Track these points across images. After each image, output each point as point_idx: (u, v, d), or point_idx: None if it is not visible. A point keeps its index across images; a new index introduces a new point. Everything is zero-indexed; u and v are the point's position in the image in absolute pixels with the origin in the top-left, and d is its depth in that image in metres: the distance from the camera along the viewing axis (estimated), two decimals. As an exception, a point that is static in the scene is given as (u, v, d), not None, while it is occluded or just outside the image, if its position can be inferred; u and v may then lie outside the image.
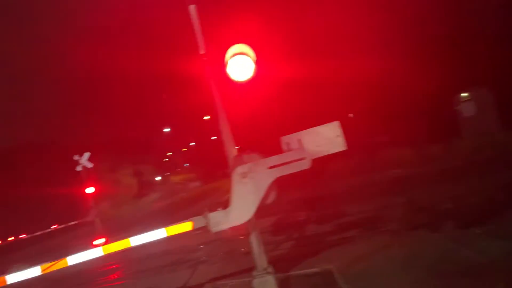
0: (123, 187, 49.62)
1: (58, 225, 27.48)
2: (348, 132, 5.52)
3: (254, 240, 5.55)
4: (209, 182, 49.48)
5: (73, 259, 5.69)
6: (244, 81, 5.33)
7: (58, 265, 5.66)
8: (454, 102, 20.47)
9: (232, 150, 5.68)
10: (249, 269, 7.17)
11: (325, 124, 5.47)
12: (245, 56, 5.06)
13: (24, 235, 28.72)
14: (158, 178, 66.14)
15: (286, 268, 6.97)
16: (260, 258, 5.52)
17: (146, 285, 9.22)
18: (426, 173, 14.02)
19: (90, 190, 26.03)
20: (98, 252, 5.63)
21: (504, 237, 6.17)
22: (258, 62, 5.20)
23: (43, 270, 5.66)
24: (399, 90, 20.19)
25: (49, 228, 28.06)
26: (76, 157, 25.58)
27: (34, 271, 5.70)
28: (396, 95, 20.42)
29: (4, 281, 5.80)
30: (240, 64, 5.06)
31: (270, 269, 5.49)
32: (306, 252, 7.90)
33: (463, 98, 20.33)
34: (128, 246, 5.61)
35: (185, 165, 74.96)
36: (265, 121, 21.35)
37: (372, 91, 20.93)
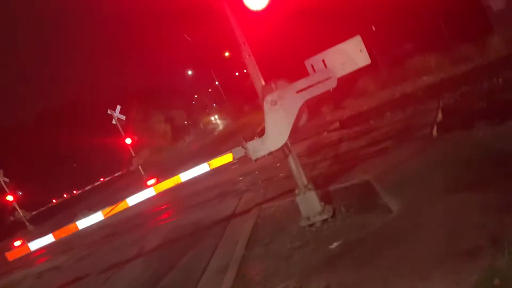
0: (158, 134, 51.15)
1: (104, 178, 28.81)
2: (373, 45, 5.54)
3: (292, 162, 5.87)
4: (239, 119, 50.03)
5: (131, 200, 6.26)
6: (260, 9, 5.36)
7: (118, 207, 6.26)
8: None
9: (259, 80, 5.84)
10: (290, 191, 7.72)
11: (347, 41, 5.50)
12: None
13: (75, 191, 30.42)
14: (190, 122, 67.52)
15: (325, 184, 7.34)
16: (300, 177, 5.87)
17: (198, 217, 9.96)
18: (457, 75, 13.69)
19: (128, 140, 27.20)
20: (152, 191, 6.14)
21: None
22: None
23: (105, 215, 6.28)
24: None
25: (97, 181, 29.52)
26: (109, 111, 26.49)
27: (98, 216, 6.33)
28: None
29: (76, 227, 6.49)
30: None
31: (310, 186, 5.86)
32: (343, 168, 8.22)
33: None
34: (179, 181, 6.07)
35: (213, 105, 75.55)
36: (286, 48, 20.99)
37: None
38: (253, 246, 6.14)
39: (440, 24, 18.51)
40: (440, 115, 9.37)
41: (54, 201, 28.94)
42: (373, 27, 21.24)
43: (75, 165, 45.27)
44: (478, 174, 5.05)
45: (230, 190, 11.64)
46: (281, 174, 10.33)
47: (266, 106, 5.24)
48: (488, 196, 4.31)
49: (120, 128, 27.12)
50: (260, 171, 12.07)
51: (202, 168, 5.96)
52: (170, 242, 9.02)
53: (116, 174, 27.94)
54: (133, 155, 27.53)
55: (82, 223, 6.40)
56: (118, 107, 25.94)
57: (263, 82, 5.85)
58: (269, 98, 5.21)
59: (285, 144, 5.48)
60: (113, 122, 26.35)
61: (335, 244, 4.95)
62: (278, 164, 11.75)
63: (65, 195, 30.69)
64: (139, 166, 27.07)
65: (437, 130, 8.43)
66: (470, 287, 2.99)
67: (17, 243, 6.85)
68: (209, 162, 5.90)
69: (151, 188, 6.11)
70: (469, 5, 17.65)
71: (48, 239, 6.50)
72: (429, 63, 16.81)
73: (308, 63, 5.52)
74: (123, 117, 26.23)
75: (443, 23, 18.46)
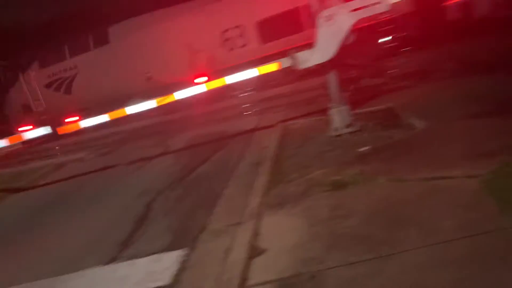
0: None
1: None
2: None
3: (333, 78, 6.53)
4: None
5: (179, 94, 6.92)
6: None
7: (169, 98, 6.94)
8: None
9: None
10: (310, 113, 8.49)
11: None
12: None
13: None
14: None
15: (352, 109, 8.02)
16: (337, 92, 6.56)
17: (220, 129, 10.66)
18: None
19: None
20: (201, 88, 6.80)
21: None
22: None
23: (158, 103, 6.97)
24: None
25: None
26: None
27: (151, 104, 7.02)
28: None
29: (124, 112, 7.17)
30: None
31: (344, 102, 6.57)
32: (366, 98, 8.90)
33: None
34: (224, 83, 6.72)
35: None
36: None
37: None
38: (284, 149, 6.91)
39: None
40: (455, 65, 9.94)
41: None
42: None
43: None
44: (489, 107, 5.81)
45: (248, 111, 12.27)
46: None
47: (321, 20, 5.81)
48: (497, 121, 5.09)
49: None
50: (276, 99, 12.70)
51: (250, 73, 6.59)
52: (195, 145, 9.74)
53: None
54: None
55: (133, 109, 7.09)
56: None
57: None
58: (325, 13, 5.77)
59: (332, 59, 6.11)
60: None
61: (363, 148, 5.74)
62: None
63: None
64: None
65: (452, 75, 9.04)
66: (486, 171, 3.81)
67: (71, 119, 7.50)
68: (258, 68, 6.53)
69: (202, 85, 6.75)
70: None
71: (102, 118, 7.18)
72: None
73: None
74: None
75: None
